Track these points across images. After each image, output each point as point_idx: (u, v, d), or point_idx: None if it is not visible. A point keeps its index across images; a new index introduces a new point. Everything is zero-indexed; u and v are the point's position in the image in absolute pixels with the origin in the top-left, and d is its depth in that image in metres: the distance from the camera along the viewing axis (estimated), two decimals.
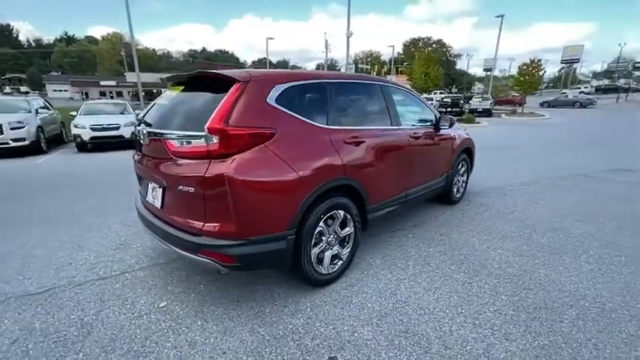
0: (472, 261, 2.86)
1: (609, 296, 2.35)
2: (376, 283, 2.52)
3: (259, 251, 1.96)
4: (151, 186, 2.34)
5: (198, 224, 1.93)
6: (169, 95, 2.32)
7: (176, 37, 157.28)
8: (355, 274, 2.64)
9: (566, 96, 31.39)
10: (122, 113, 10.43)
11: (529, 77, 21.87)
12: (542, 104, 28.49)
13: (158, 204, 2.22)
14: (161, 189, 2.19)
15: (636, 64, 49.24)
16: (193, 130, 1.90)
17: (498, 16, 25.20)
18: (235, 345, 1.89)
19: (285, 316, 2.14)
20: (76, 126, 9.13)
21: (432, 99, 26.20)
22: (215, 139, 1.81)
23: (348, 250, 2.56)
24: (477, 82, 76.28)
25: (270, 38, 34.63)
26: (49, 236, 3.38)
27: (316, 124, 2.27)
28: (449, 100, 24.53)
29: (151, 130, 2.15)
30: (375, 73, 49.98)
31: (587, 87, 52.74)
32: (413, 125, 3.35)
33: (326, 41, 38.92)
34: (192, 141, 1.90)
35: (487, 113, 22.82)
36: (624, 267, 2.75)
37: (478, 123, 17.50)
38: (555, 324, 2.07)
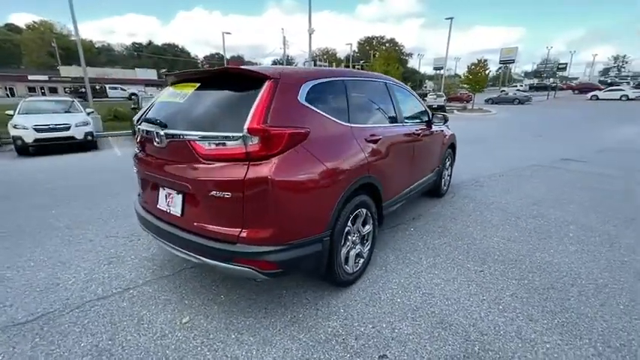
0: (476, 250, 3.04)
1: (598, 272, 2.65)
2: (397, 278, 2.57)
3: (299, 255, 1.89)
4: (164, 192, 2.13)
5: (233, 231, 1.81)
6: (180, 93, 2.12)
7: (116, 29, 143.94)
8: (374, 270, 2.67)
9: (507, 94, 34.49)
10: (69, 111, 9.37)
11: (478, 76, 23.62)
12: (487, 101, 30.99)
13: (177, 211, 2.03)
14: (180, 195, 2.01)
15: (559, 66, 56.02)
16: (226, 131, 1.77)
17: (448, 18, 26.86)
18: (280, 354, 1.81)
19: (321, 320, 2.09)
20: (15, 126, 7.99)
21: None
22: (254, 140, 1.71)
23: (368, 247, 2.58)
24: (427, 80, 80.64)
25: (227, 33, 33.18)
26: (17, 254, 2.94)
27: (341, 122, 2.24)
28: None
29: (170, 131, 1.96)
30: None
31: (522, 85, 58.43)
32: (414, 122, 3.45)
33: (284, 37, 38.52)
34: (227, 142, 1.77)
35: (442, 109, 24.28)
36: (601, 246, 3.10)
37: None
38: (565, 302, 2.28)
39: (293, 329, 2.01)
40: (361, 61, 57.89)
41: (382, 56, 27.53)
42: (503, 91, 41.97)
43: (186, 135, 1.88)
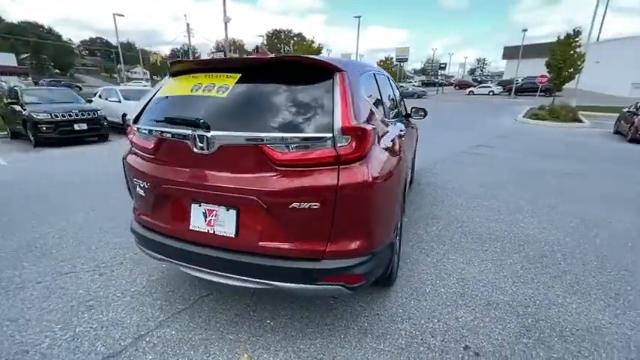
0: (469, 232, 3.35)
1: (563, 238, 3.22)
2: (425, 268, 2.65)
3: (380, 263, 1.77)
4: (200, 209, 1.71)
5: (318, 246, 1.58)
6: (215, 86, 1.70)
7: None
8: (400, 264, 2.69)
9: (407, 89, 38.77)
10: None
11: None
12: None
13: (226, 231, 1.66)
14: (233, 210, 1.64)
15: (441, 65, 66.49)
16: (301, 132, 1.51)
17: (356, 17, 28.59)
18: None
19: (388, 324, 2.02)
20: None
21: None
22: (345, 141, 1.50)
23: (398, 239, 2.58)
24: None
25: (119, 15, 28.21)
26: None
27: (383, 116, 2.16)
28: None
29: (222, 133, 1.56)
30: None
31: (416, 82, 66.62)
32: (405, 114, 3.56)
33: (187, 25, 35.03)
34: (311, 145, 1.51)
35: None
36: (549, 216, 3.78)
37: None
38: (559, 266, 2.70)
39: (369, 341, 1.88)
40: (272, 55, 56.94)
41: (302, 50, 27.60)
42: (402, 86, 47.13)
43: (256, 138, 1.53)
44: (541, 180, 5.27)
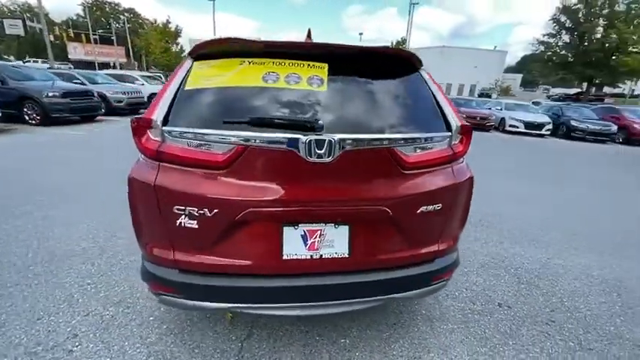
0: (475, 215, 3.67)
1: (546, 216, 4.03)
2: None
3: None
4: (300, 231, 1.36)
5: (432, 248, 1.56)
6: (303, 77, 1.34)
7: None
8: None
9: None
10: None
11: None
12: None
13: (340, 251, 1.40)
14: (345, 226, 1.39)
15: None
16: (419, 131, 1.44)
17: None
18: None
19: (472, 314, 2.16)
20: None
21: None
22: (457, 139, 1.52)
23: None
24: None
25: None
26: None
27: None
28: None
29: (350, 136, 1.27)
30: (53, 38, 36.55)
31: None
32: None
33: None
34: (430, 145, 1.44)
35: None
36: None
37: None
38: (561, 239, 3.31)
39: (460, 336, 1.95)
40: (99, 31, 45.82)
41: (158, 31, 23.22)
42: None
43: (386, 140, 1.33)
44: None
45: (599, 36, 27.58)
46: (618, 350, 1.87)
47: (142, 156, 1.40)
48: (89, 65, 33.44)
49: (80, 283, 2.23)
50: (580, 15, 28.60)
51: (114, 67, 35.30)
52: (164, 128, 1.30)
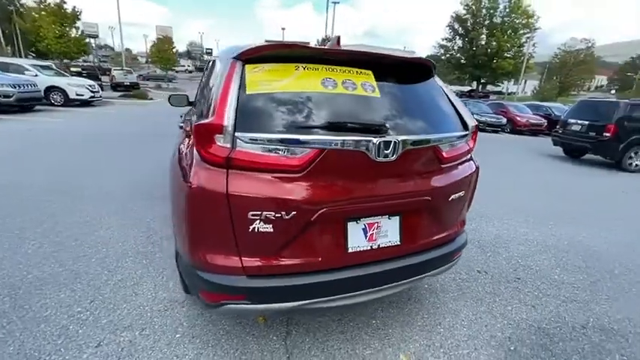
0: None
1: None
2: None
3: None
4: (362, 224, 1.49)
5: (455, 229, 1.86)
6: (357, 84, 1.46)
7: None
8: None
9: (190, 71, 36.31)
10: None
11: (167, 53, 22.89)
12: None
13: (394, 239, 1.57)
14: (397, 217, 1.57)
15: (207, 50, 67.46)
16: (448, 131, 1.68)
17: None
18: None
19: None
20: None
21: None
22: (470, 136, 1.81)
23: None
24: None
25: None
26: None
27: None
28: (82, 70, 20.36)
29: (411, 137, 1.44)
30: None
31: (189, 66, 63.34)
32: None
33: None
34: (457, 142, 1.70)
35: (135, 87, 21.60)
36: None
37: (151, 99, 16.79)
38: (559, 219, 4.00)
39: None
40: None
41: (50, 12, 18.90)
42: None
43: (434, 139, 1.55)
44: None
45: (483, 42, 32.95)
46: (564, 293, 2.47)
47: (197, 163, 1.33)
48: None
49: (68, 312, 1.93)
50: (469, 24, 33.70)
51: None
52: (237, 134, 1.27)
